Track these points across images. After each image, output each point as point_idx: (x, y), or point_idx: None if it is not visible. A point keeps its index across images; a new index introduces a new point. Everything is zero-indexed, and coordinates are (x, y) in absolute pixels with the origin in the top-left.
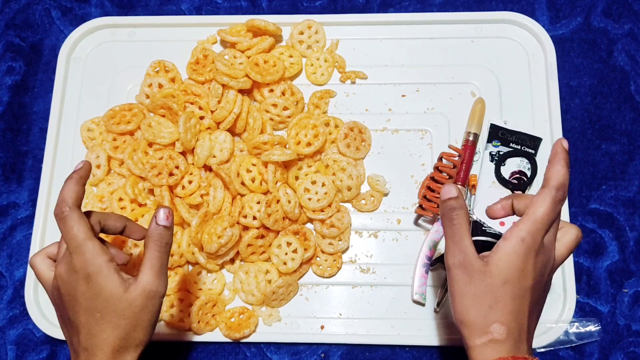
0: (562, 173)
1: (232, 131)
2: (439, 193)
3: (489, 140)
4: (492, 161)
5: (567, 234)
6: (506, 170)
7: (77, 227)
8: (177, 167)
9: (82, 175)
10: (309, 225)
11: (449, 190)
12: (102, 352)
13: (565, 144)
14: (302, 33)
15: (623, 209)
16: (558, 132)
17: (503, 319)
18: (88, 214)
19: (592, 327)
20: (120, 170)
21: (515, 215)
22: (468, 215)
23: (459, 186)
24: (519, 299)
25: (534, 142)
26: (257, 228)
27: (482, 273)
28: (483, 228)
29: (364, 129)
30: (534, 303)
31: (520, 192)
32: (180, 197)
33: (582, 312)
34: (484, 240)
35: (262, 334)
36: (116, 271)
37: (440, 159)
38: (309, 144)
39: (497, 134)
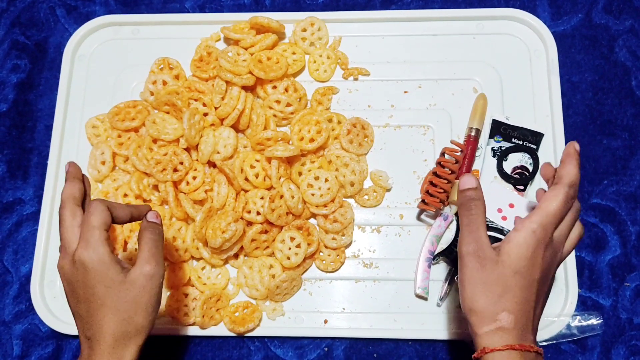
0: (574, 172)
1: (235, 127)
2: (441, 188)
3: (491, 136)
4: (494, 156)
5: (574, 231)
6: (508, 166)
7: (99, 214)
8: (181, 163)
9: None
10: (312, 221)
11: (468, 181)
12: (103, 340)
13: (577, 146)
14: (305, 30)
15: (625, 203)
16: (560, 128)
17: (512, 308)
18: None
19: (594, 321)
20: (125, 166)
21: (517, 212)
22: (485, 206)
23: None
24: (527, 290)
25: (536, 137)
26: (261, 223)
27: (494, 262)
28: (486, 223)
29: (366, 125)
30: (539, 295)
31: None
32: (185, 193)
33: (584, 306)
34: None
35: (266, 328)
36: (117, 261)
37: (442, 154)
38: (312, 140)
39: (499, 129)
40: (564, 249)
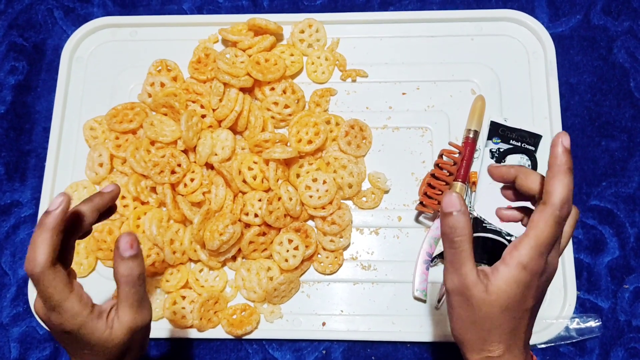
0: (565, 184)
1: (233, 129)
2: (439, 190)
3: (489, 138)
4: (492, 158)
5: (569, 221)
6: None
7: (52, 288)
8: (179, 165)
9: (57, 219)
10: (310, 223)
11: (451, 203)
12: None
13: (567, 141)
14: (302, 32)
15: (623, 205)
16: (558, 129)
17: (501, 339)
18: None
19: (593, 323)
20: (123, 168)
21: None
22: (471, 233)
23: (460, 184)
24: (517, 321)
25: (534, 139)
26: (259, 225)
27: (481, 301)
28: (484, 224)
29: (364, 126)
30: (532, 318)
31: (526, 168)
32: (182, 195)
33: (583, 308)
34: (485, 237)
35: (264, 331)
36: (98, 318)
37: (440, 156)
38: (310, 142)
39: (497, 131)
40: (561, 245)
